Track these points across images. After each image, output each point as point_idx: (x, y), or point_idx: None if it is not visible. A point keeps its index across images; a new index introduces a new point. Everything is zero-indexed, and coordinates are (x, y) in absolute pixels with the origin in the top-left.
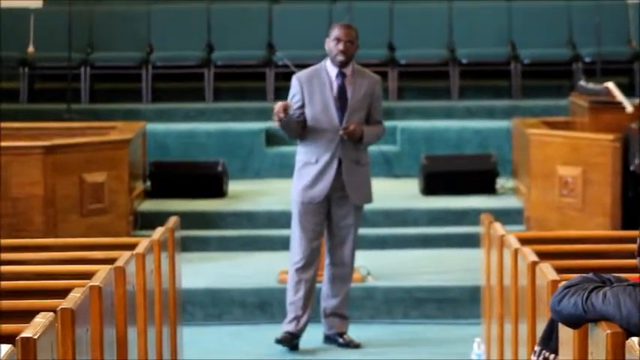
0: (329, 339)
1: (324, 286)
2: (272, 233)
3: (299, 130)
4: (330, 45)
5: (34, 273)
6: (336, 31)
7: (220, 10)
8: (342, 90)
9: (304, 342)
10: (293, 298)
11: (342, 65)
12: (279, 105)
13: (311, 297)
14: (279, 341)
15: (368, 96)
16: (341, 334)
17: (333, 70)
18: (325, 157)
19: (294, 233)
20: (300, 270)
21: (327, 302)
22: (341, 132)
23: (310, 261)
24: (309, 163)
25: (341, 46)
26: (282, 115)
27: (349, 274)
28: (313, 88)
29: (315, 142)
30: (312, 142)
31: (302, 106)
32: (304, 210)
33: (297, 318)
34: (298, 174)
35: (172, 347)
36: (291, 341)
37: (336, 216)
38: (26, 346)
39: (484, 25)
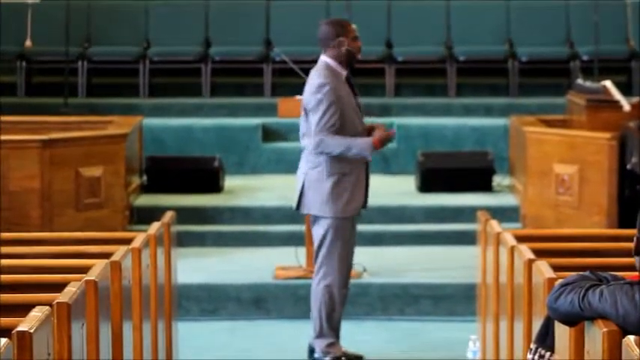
0: None
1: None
2: (268, 229)
3: None
4: (352, 44)
5: (30, 267)
6: (353, 29)
7: (218, 5)
8: (354, 91)
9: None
10: (335, 324)
11: (355, 64)
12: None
13: None
14: None
15: None
16: None
17: (343, 72)
18: (358, 165)
19: (336, 253)
20: (344, 291)
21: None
22: (392, 131)
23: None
24: (343, 174)
25: (360, 43)
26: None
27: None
28: (342, 93)
29: None
30: None
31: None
32: (349, 225)
33: (336, 343)
34: (335, 189)
35: (167, 342)
36: None
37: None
38: (22, 340)
39: (482, 22)
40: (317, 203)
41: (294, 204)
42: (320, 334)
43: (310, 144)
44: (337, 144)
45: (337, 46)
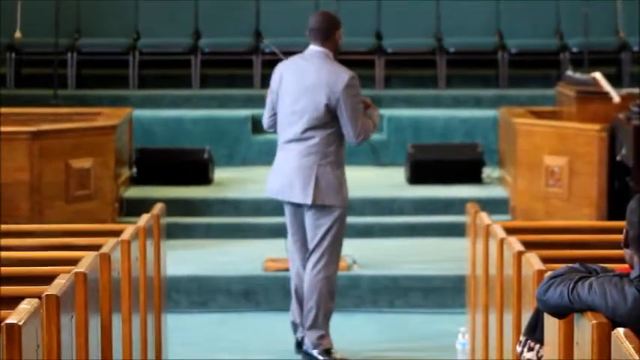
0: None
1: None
2: (258, 221)
3: None
4: (341, 37)
5: (20, 259)
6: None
7: None
8: None
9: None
10: (330, 315)
11: None
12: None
13: None
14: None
15: None
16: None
17: None
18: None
19: (338, 243)
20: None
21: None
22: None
23: None
24: (342, 163)
25: None
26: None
27: None
28: None
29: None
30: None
31: None
32: None
33: (326, 335)
34: (341, 178)
35: (157, 334)
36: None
37: None
38: (11, 333)
39: (472, 14)
40: (330, 193)
41: (303, 198)
42: (313, 326)
43: (325, 136)
44: (369, 126)
45: (337, 38)
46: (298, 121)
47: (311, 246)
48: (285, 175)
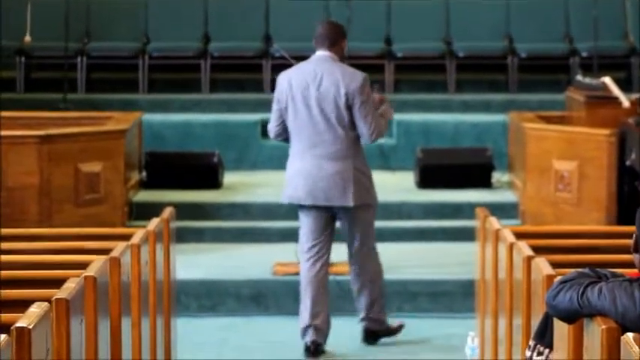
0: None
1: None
2: (267, 225)
3: None
4: (346, 47)
5: (29, 263)
6: None
7: (217, 0)
8: None
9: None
10: None
11: None
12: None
13: None
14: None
15: None
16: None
17: None
18: None
19: (374, 236)
20: None
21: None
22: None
23: None
24: (367, 162)
25: None
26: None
27: None
28: None
29: None
30: None
31: None
32: None
33: None
34: (371, 177)
35: (166, 338)
36: None
37: None
38: (21, 336)
39: (481, 18)
40: (366, 192)
41: (344, 200)
42: (383, 309)
43: (352, 138)
44: (382, 124)
45: (344, 47)
46: (321, 126)
47: (356, 245)
48: (316, 181)
